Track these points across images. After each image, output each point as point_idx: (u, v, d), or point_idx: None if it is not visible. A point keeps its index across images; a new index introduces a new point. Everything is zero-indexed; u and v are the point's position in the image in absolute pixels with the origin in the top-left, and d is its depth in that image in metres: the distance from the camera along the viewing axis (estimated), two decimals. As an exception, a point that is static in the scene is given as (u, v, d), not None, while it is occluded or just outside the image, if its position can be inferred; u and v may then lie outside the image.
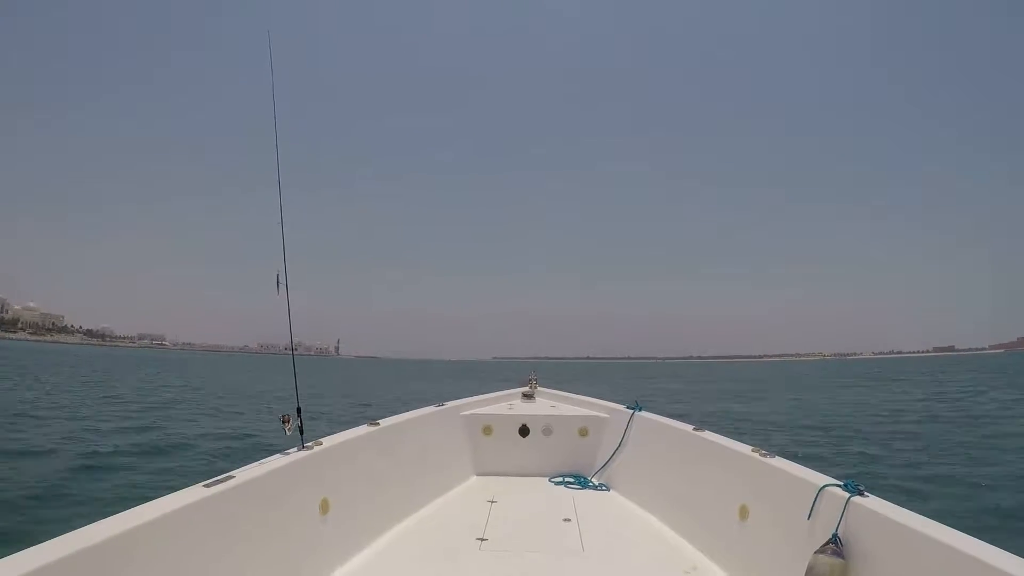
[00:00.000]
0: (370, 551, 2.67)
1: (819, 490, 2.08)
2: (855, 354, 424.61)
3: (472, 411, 4.12)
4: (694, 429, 3.24)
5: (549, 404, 4.51)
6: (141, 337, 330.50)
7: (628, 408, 3.95)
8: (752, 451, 2.64)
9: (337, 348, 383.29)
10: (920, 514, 1.77)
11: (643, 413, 3.83)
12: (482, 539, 2.82)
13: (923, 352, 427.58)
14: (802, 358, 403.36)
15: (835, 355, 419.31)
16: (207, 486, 1.91)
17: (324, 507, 2.51)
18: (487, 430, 4.07)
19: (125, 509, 1.63)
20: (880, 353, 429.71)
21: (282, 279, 2.47)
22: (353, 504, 2.69)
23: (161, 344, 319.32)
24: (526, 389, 4.76)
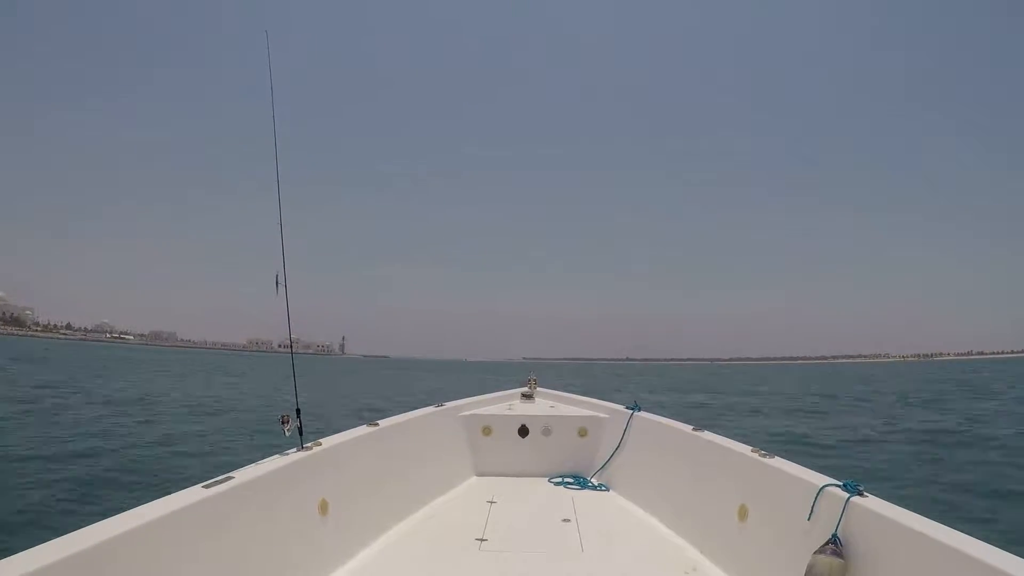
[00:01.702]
0: (369, 552, 2.73)
1: (819, 490, 2.13)
2: (940, 355, 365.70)
3: (471, 411, 4.29)
4: (693, 429, 3.33)
5: (548, 404, 4.69)
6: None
7: (627, 408, 4.09)
8: (752, 451, 2.71)
9: (342, 346, 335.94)
10: (920, 515, 1.82)
11: (642, 413, 3.96)
12: (481, 539, 2.89)
13: (1013, 353, 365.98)
14: (870, 360, 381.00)
15: (919, 356, 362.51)
16: (206, 487, 1.96)
17: (323, 508, 2.56)
18: (486, 430, 4.22)
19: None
20: (962, 354, 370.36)
21: (281, 280, 2.52)
22: (352, 505, 2.75)
23: (119, 337, 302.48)
24: (525, 389, 4.96)
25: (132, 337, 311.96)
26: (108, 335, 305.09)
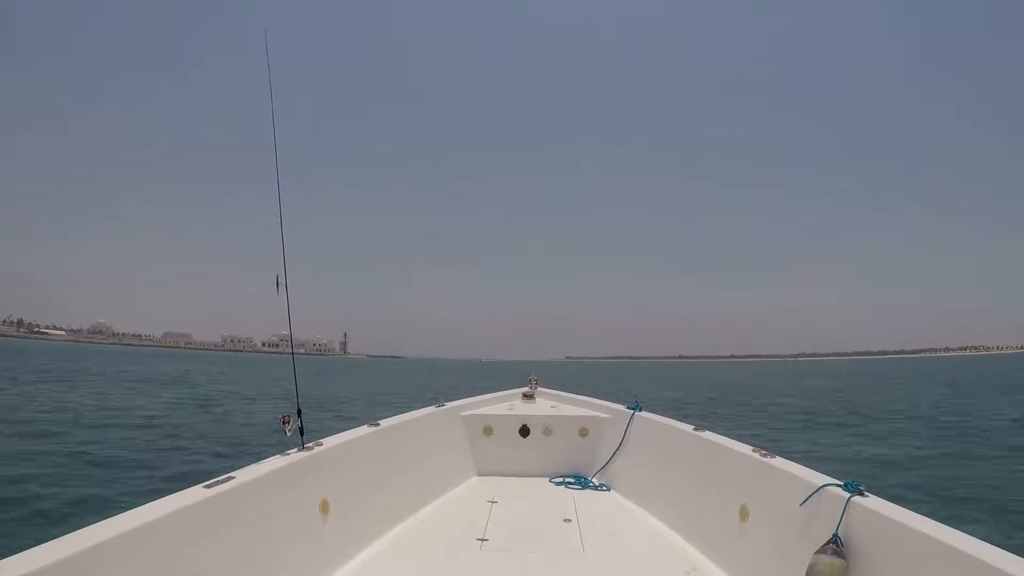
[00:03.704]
0: (370, 552, 2.85)
1: (819, 490, 2.23)
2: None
3: (472, 411, 4.55)
4: (694, 429, 3.49)
5: (549, 404, 4.95)
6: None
7: (628, 408, 4.33)
8: (752, 451, 2.85)
9: (344, 344, 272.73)
10: (920, 514, 1.89)
11: (643, 413, 4.19)
12: (482, 539, 3.02)
13: None
14: (977, 352, 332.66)
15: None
16: (207, 487, 2.04)
17: (324, 508, 2.66)
18: (487, 430, 4.45)
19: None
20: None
21: (282, 280, 2.59)
22: (353, 505, 2.88)
23: (41, 333, 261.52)
24: (526, 389, 5.23)
25: (62, 332, 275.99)
26: (26, 328, 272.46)
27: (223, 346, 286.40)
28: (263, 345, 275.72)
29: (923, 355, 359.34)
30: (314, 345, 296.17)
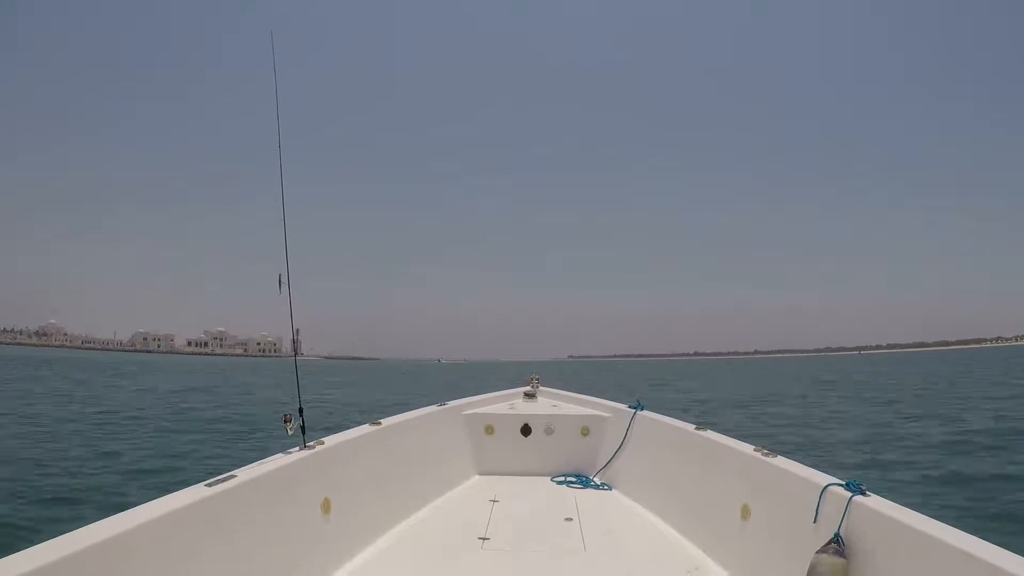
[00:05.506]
0: (372, 550, 2.95)
1: (821, 490, 2.29)
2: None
3: (474, 410, 4.73)
4: (696, 428, 3.66)
5: (551, 403, 5.20)
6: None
7: (630, 407, 4.54)
8: (754, 450, 2.97)
9: (295, 344, 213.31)
10: (922, 514, 1.96)
11: (645, 412, 4.40)
12: (484, 538, 3.13)
13: None
14: None
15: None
16: (209, 485, 2.11)
17: (326, 506, 2.77)
18: (489, 429, 4.60)
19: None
20: None
21: (283, 279, 2.68)
22: (355, 503, 3.01)
23: None
24: (528, 388, 5.51)
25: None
26: None
27: (130, 345, 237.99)
28: (188, 344, 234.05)
29: (970, 346, 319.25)
30: (258, 344, 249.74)
